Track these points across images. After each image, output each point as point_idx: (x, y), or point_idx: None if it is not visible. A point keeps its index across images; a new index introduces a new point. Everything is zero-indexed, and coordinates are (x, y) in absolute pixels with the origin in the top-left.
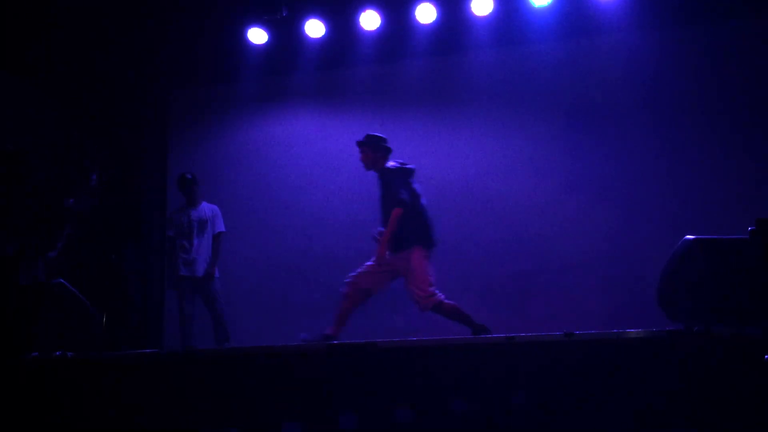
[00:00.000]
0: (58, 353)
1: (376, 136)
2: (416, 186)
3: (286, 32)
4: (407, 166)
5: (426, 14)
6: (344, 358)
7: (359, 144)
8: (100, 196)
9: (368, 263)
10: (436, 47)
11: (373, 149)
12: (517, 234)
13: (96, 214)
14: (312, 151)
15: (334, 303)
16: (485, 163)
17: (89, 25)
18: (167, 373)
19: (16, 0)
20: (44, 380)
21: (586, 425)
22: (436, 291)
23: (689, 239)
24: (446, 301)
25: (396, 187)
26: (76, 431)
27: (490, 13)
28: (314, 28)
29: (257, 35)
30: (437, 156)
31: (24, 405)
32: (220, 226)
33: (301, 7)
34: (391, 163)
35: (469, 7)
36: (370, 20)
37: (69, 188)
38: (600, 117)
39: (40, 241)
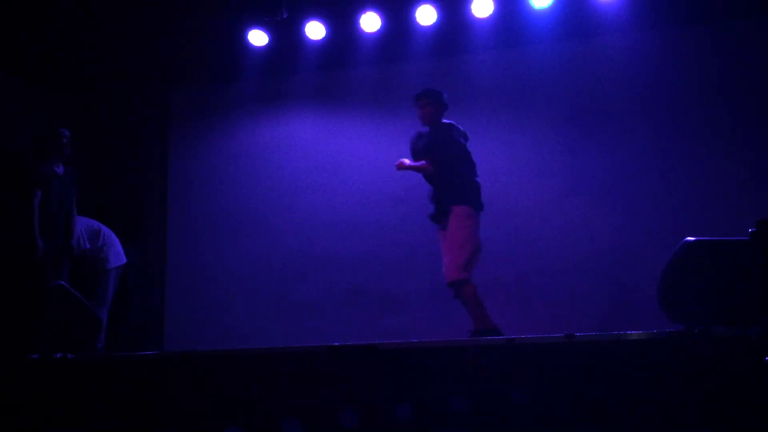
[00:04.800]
0: (59, 355)
1: (436, 90)
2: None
3: (287, 34)
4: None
5: (426, 16)
6: (345, 360)
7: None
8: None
9: None
10: (436, 49)
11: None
12: (518, 235)
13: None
14: (312, 152)
15: (334, 303)
16: (486, 164)
17: (89, 25)
18: (167, 373)
19: (16, 0)
20: (45, 382)
21: (587, 427)
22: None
23: (690, 240)
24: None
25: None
26: None
27: (491, 15)
28: (314, 30)
29: (258, 37)
30: None
31: (25, 407)
32: None
33: (301, 9)
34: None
35: (470, 9)
36: (370, 22)
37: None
38: (600, 118)
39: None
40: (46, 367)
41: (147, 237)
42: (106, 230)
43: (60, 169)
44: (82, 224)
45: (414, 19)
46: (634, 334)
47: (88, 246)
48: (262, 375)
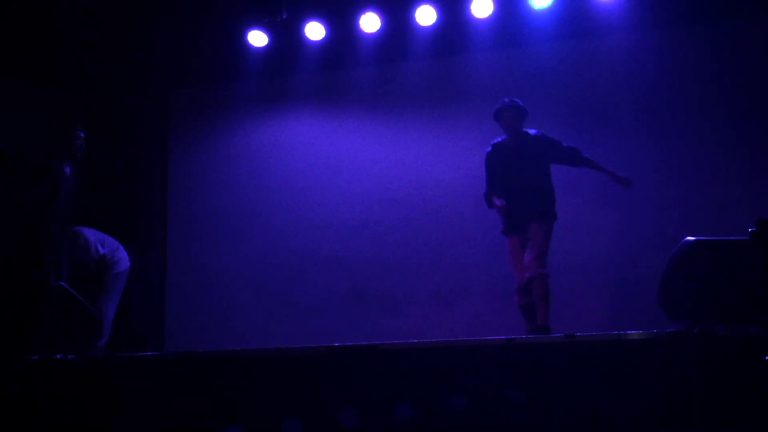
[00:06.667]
0: (59, 355)
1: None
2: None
3: (287, 34)
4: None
5: (426, 16)
6: (345, 360)
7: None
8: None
9: None
10: (436, 49)
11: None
12: None
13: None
14: (312, 153)
15: (334, 303)
16: None
17: (89, 25)
18: (168, 374)
19: (15, 0)
20: (46, 383)
21: (587, 427)
22: None
23: (690, 240)
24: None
25: None
26: None
27: (490, 15)
28: (314, 31)
29: (257, 38)
30: (437, 157)
31: (26, 408)
32: None
33: (301, 10)
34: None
35: (469, 9)
36: (370, 22)
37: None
38: (600, 118)
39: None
40: (46, 367)
41: (147, 238)
42: (107, 236)
43: (68, 169)
44: (90, 231)
45: (414, 19)
46: (634, 333)
47: (102, 252)
48: (262, 375)
